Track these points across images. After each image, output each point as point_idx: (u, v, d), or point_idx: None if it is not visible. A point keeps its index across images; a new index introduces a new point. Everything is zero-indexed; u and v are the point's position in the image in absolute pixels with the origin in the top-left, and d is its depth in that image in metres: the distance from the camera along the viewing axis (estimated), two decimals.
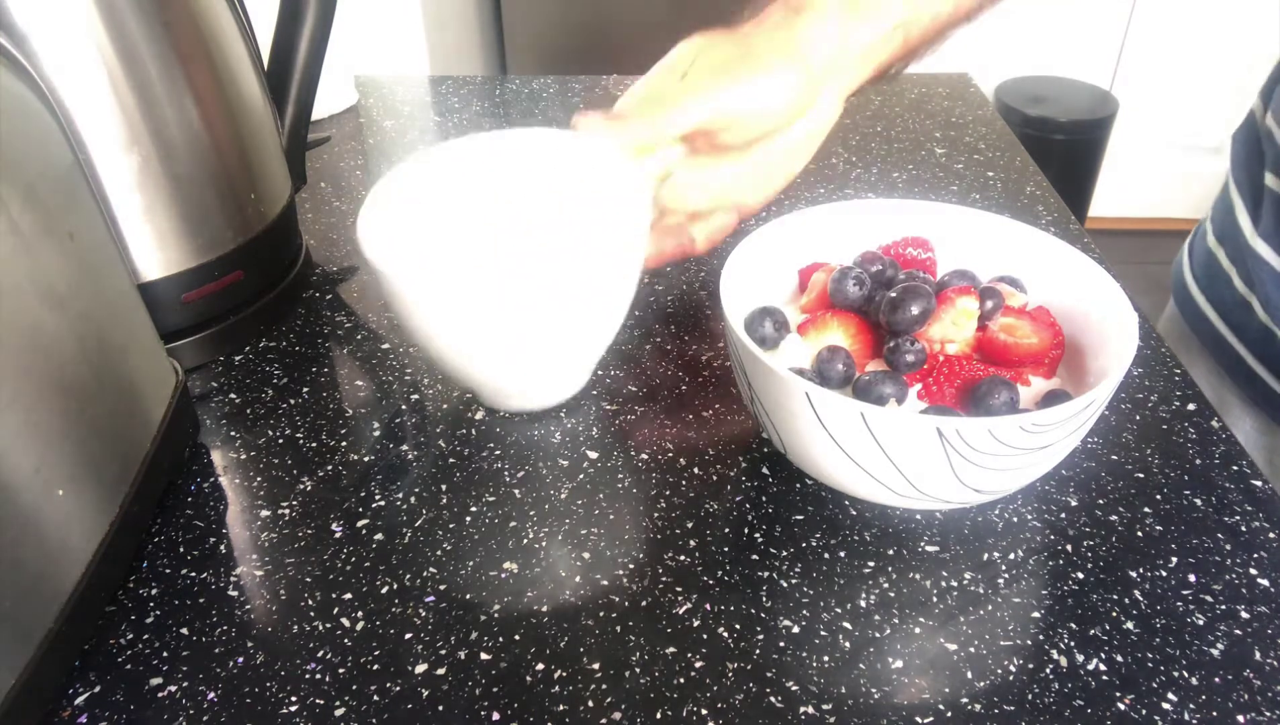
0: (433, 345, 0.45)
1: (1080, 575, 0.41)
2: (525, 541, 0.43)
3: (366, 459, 0.47)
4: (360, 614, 0.40)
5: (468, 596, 0.40)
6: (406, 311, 0.43)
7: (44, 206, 0.36)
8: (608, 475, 0.46)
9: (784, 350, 0.45)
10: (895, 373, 0.42)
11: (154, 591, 0.41)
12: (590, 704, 0.36)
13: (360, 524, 0.44)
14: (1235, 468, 0.46)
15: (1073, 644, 0.38)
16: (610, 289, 0.45)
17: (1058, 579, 0.41)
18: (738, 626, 0.39)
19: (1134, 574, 0.41)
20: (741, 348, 0.40)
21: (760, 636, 0.38)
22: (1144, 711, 0.36)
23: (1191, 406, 0.50)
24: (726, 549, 0.42)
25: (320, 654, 0.38)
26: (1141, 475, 0.46)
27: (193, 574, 0.41)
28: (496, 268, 0.51)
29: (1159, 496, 0.45)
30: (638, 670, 0.37)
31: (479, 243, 0.51)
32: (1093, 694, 0.36)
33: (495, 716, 0.36)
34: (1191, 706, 0.36)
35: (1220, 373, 0.67)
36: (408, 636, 0.39)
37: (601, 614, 0.39)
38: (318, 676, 0.37)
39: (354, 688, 0.37)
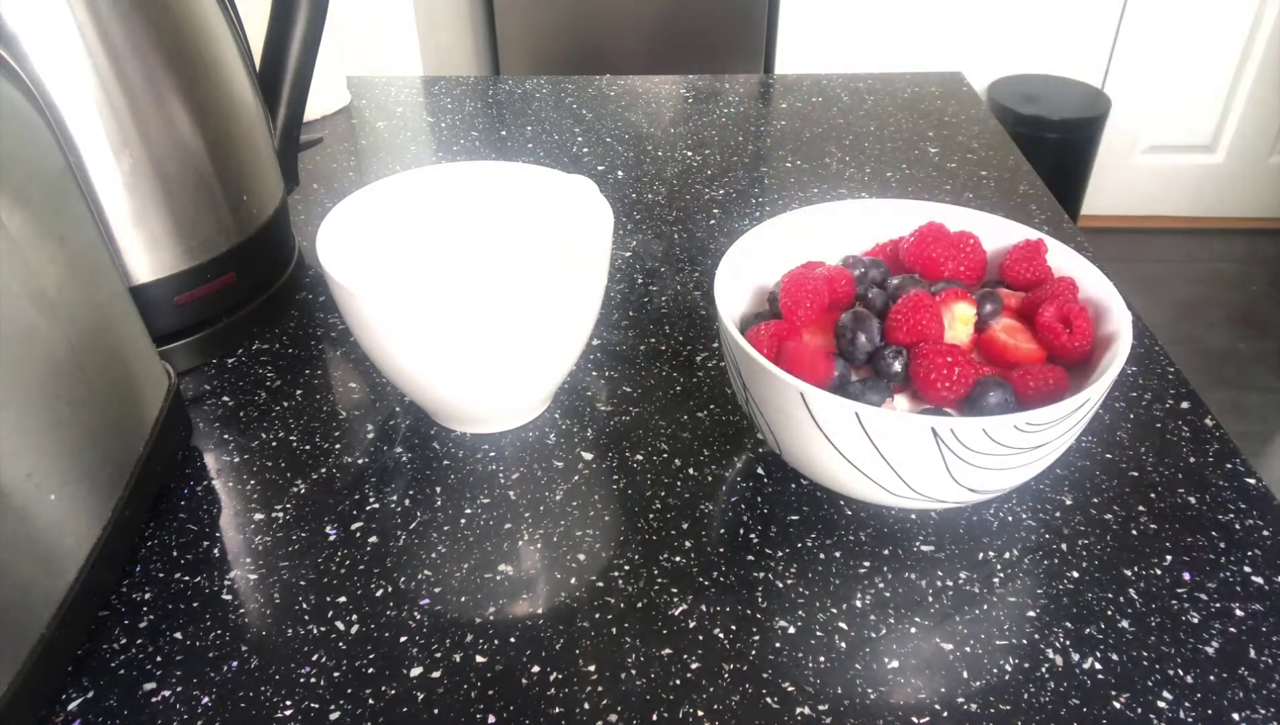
0: (386, 362, 0.44)
1: (1075, 574, 0.41)
2: (520, 543, 0.43)
3: (360, 462, 0.47)
4: (355, 617, 0.39)
5: (463, 599, 0.40)
6: (361, 326, 0.43)
7: (34, 209, 0.36)
8: (603, 477, 0.46)
9: None
10: (881, 380, 0.41)
11: (147, 596, 0.40)
12: (586, 706, 0.36)
13: (354, 527, 0.44)
14: (1229, 466, 0.46)
15: (1068, 643, 0.38)
16: (565, 318, 0.43)
17: (1053, 578, 0.41)
18: (733, 627, 0.39)
19: (1129, 572, 0.41)
20: (736, 348, 0.40)
21: (756, 637, 0.38)
22: (1139, 710, 0.36)
23: (1185, 404, 0.50)
24: (722, 550, 0.42)
25: (315, 658, 0.38)
26: (1136, 474, 0.46)
27: (186, 578, 0.41)
28: (452, 288, 0.51)
29: (1153, 495, 0.45)
30: (634, 672, 0.37)
31: (438, 264, 0.51)
32: (1088, 693, 0.36)
33: (491, 719, 0.36)
34: (1187, 705, 0.36)
35: None
36: (403, 639, 0.39)
37: (597, 616, 0.39)
38: (312, 680, 0.37)
39: (349, 691, 0.37)
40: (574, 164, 0.76)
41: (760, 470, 0.46)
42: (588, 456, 0.47)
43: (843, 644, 0.38)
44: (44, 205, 0.37)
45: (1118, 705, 0.36)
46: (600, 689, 0.37)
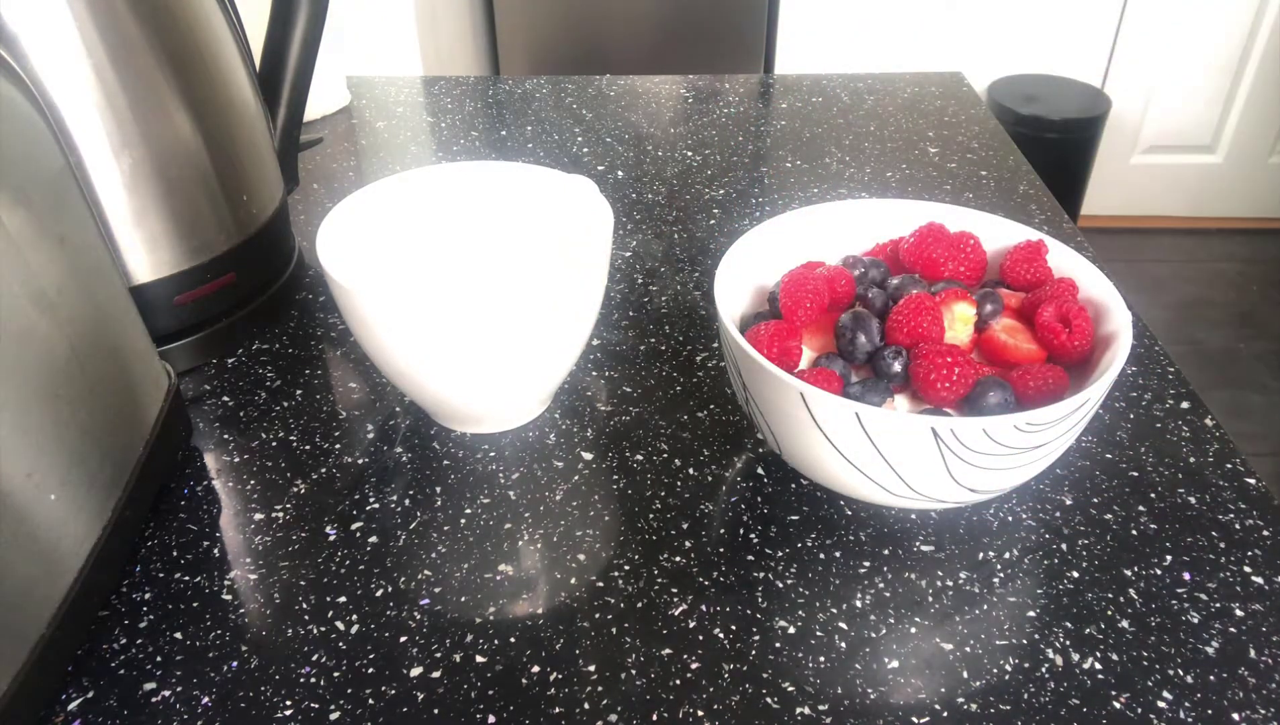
0: (386, 362, 0.44)
1: (1075, 574, 0.41)
2: (520, 543, 0.43)
3: (360, 461, 0.47)
4: (355, 617, 0.39)
5: (463, 599, 0.40)
6: (361, 326, 0.43)
7: (34, 209, 0.36)
8: (603, 477, 0.46)
9: None
10: (881, 380, 0.41)
11: (147, 596, 0.40)
12: (586, 706, 0.36)
13: (354, 527, 0.44)
14: (1229, 465, 0.46)
15: (1068, 643, 0.38)
16: (565, 318, 0.43)
17: (1053, 578, 0.41)
18: (733, 627, 0.39)
19: (1129, 572, 0.41)
20: (736, 348, 0.40)
21: (756, 637, 0.38)
22: (1139, 710, 0.36)
23: (1185, 404, 0.50)
24: (722, 550, 0.42)
25: (315, 658, 0.38)
26: (1136, 473, 0.46)
27: (186, 578, 0.41)
28: (452, 287, 0.51)
29: (1153, 495, 0.45)
30: (634, 672, 0.37)
31: (438, 264, 0.51)
32: (1088, 693, 0.36)
33: (491, 719, 0.36)
34: (1187, 705, 0.36)
35: None
36: (403, 639, 0.39)
37: (597, 616, 0.39)
38: (312, 680, 0.37)
39: (349, 691, 0.37)
40: (574, 164, 0.76)
41: (760, 470, 0.46)
42: (588, 456, 0.47)
43: (843, 644, 0.38)
44: (44, 205, 0.37)
45: (1118, 705, 0.36)
46: (600, 689, 0.37)
